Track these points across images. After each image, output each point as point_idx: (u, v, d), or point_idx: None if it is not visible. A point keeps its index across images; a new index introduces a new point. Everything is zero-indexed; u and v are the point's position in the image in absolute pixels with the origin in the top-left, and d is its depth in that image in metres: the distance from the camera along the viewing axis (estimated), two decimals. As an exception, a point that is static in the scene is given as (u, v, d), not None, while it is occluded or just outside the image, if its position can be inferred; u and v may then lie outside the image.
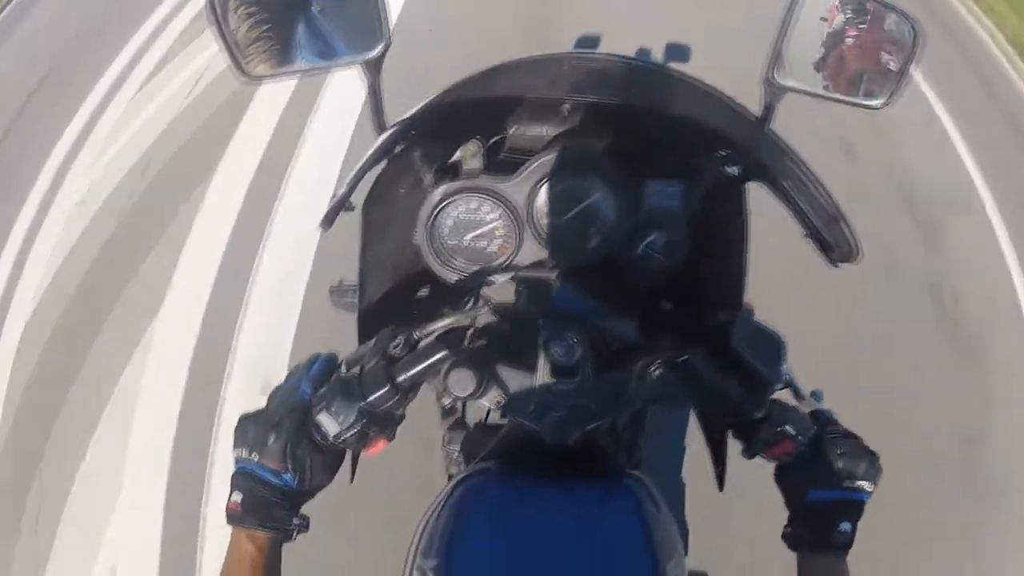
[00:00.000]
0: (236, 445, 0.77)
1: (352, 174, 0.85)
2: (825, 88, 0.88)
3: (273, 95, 3.26)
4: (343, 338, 0.95)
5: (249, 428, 0.77)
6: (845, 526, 0.76)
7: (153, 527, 2.04)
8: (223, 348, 2.38)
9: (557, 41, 3.40)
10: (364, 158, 0.86)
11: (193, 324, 2.46)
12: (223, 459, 2.13)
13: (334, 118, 3.18)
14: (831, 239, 0.86)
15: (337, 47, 0.81)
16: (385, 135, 0.84)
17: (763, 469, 0.83)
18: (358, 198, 0.89)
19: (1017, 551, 2.14)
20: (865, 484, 0.77)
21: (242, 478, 0.76)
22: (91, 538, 2.03)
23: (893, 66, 0.89)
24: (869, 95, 0.90)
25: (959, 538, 2.14)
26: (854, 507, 0.77)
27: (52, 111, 3.29)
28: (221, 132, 3.16)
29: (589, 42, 3.16)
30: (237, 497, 0.75)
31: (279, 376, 0.83)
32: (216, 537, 2.02)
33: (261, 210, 2.84)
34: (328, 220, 0.86)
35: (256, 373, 2.32)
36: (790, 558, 0.79)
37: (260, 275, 2.62)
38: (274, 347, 2.39)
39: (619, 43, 3.31)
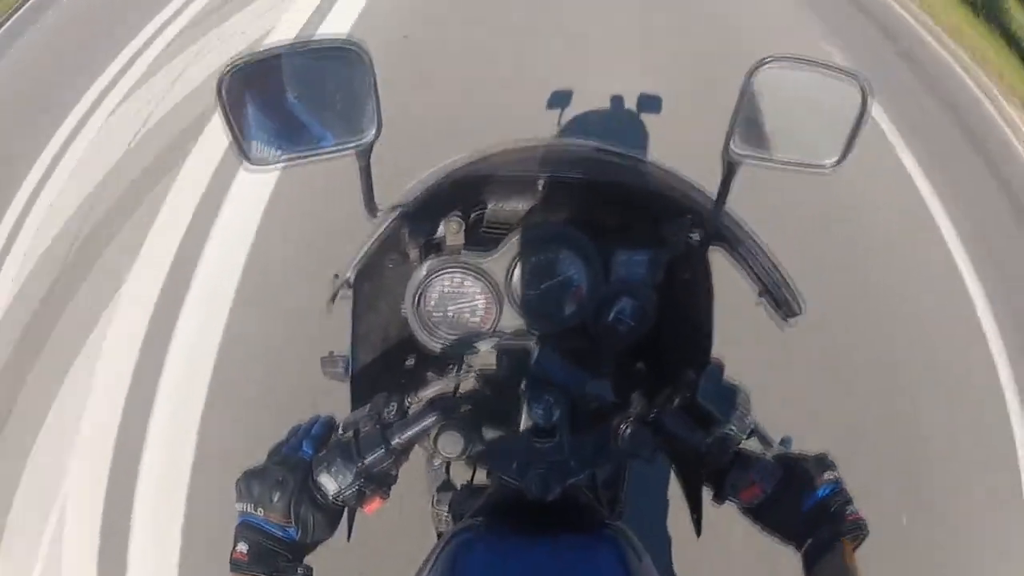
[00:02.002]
0: (240, 499, 0.82)
1: (356, 258, 0.93)
2: (779, 156, 0.95)
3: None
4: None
5: (253, 484, 0.81)
6: (851, 508, 0.81)
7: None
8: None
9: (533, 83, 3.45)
10: (368, 242, 0.94)
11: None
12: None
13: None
14: (780, 299, 0.95)
15: (332, 135, 0.88)
16: (383, 217, 0.92)
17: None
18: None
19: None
20: (835, 473, 0.83)
21: (247, 530, 0.80)
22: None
23: (844, 126, 0.97)
24: (821, 157, 0.97)
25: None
26: (842, 493, 0.82)
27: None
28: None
29: (563, 94, 3.22)
30: (243, 547, 0.79)
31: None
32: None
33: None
34: (334, 298, 0.94)
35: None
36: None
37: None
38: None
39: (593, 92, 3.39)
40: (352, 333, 1.03)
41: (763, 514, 0.86)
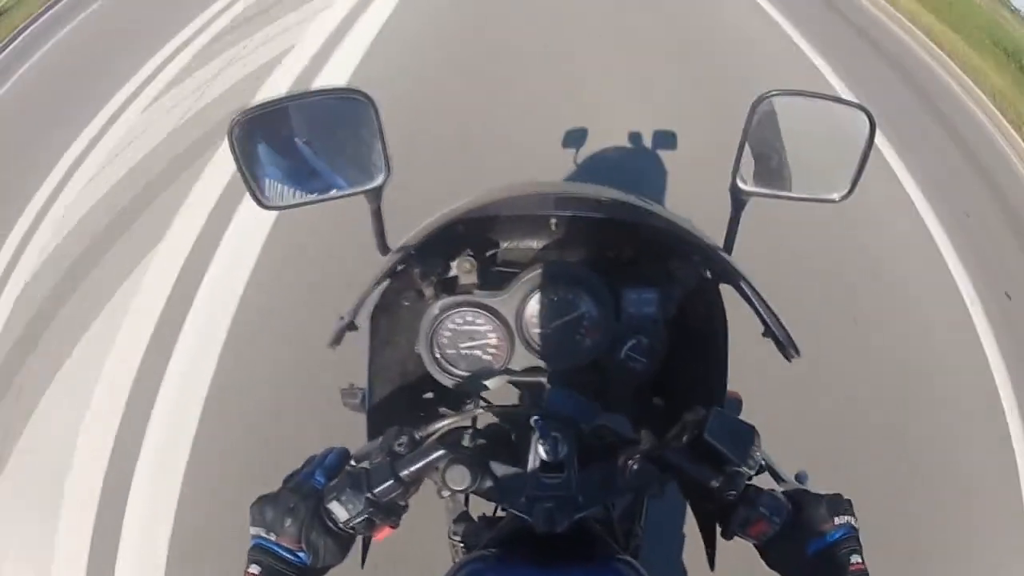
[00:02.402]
0: (254, 523, 0.83)
1: (359, 297, 0.95)
2: (787, 189, 0.96)
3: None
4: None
5: (267, 510, 0.83)
6: (856, 557, 0.79)
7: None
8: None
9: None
10: (371, 282, 0.96)
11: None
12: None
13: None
14: (782, 339, 0.96)
15: (343, 178, 0.90)
16: (388, 259, 0.94)
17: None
18: (361, 317, 1.00)
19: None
20: (851, 519, 0.82)
21: (260, 552, 0.82)
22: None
23: (851, 156, 0.97)
24: (829, 190, 0.98)
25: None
26: (853, 540, 0.81)
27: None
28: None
29: (578, 133, 3.23)
30: (255, 569, 0.81)
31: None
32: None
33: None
34: (336, 339, 0.96)
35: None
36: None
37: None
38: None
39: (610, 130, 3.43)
40: (369, 366, 1.05)
41: (769, 552, 0.85)
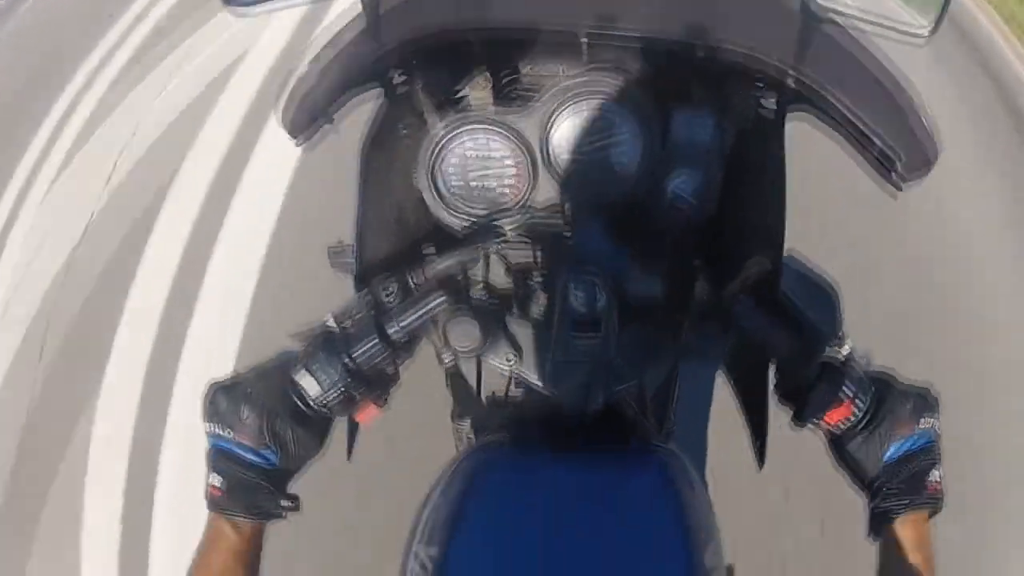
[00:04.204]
0: (207, 418, 0.69)
1: (324, 65, 0.75)
2: (868, 13, 0.81)
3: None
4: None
5: (219, 399, 0.68)
6: (935, 473, 0.68)
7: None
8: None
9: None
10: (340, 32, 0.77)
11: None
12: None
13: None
14: (898, 149, 0.74)
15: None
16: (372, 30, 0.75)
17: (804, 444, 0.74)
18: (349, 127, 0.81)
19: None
20: (935, 420, 0.69)
21: (219, 458, 0.68)
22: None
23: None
24: (914, 20, 0.82)
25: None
26: (934, 450, 0.69)
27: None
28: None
29: None
30: (216, 480, 0.67)
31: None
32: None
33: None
34: (303, 128, 0.76)
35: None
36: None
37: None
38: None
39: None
40: (358, 216, 0.87)
41: (840, 445, 0.72)
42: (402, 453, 1.72)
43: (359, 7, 0.76)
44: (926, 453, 0.68)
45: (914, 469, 0.68)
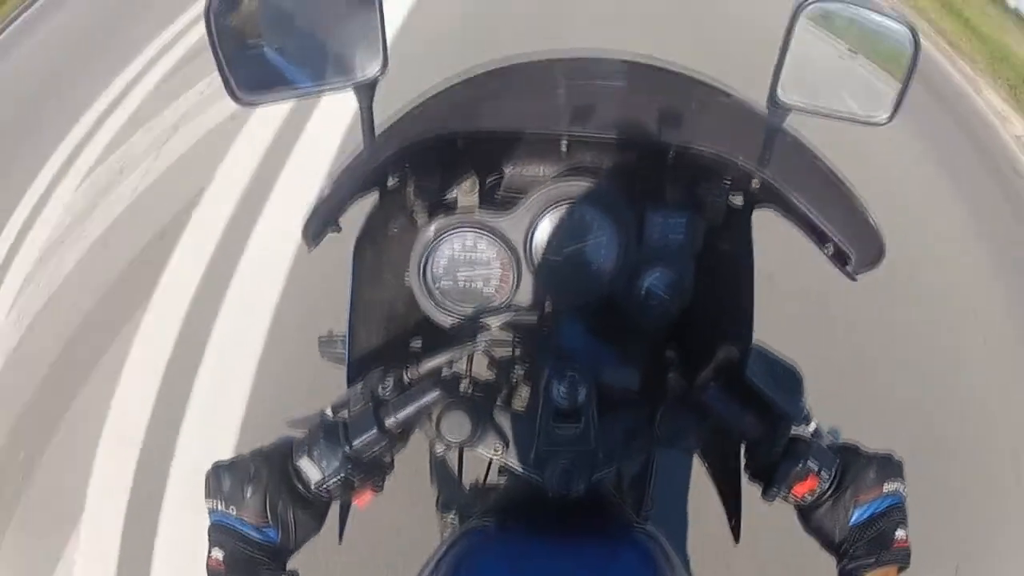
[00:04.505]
0: (209, 496, 0.71)
1: (342, 188, 0.79)
2: (828, 106, 0.87)
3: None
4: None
5: (223, 478, 0.70)
6: (900, 532, 0.71)
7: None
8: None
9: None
10: (353, 170, 0.81)
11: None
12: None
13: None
14: (850, 247, 0.81)
15: (332, 70, 0.78)
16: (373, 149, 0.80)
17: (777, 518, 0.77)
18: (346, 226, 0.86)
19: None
20: (900, 485, 0.73)
21: (221, 533, 0.70)
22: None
23: (894, 78, 0.87)
24: (873, 111, 0.89)
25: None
26: (899, 510, 0.72)
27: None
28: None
29: None
30: (218, 554, 0.69)
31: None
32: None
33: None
34: (315, 236, 0.80)
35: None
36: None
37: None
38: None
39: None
40: (350, 308, 0.91)
41: (808, 513, 0.75)
42: (390, 536, 1.72)
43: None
44: (892, 513, 0.71)
45: (880, 529, 0.71)
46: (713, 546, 1.04)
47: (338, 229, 0.84)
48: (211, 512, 0.70)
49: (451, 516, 1.13)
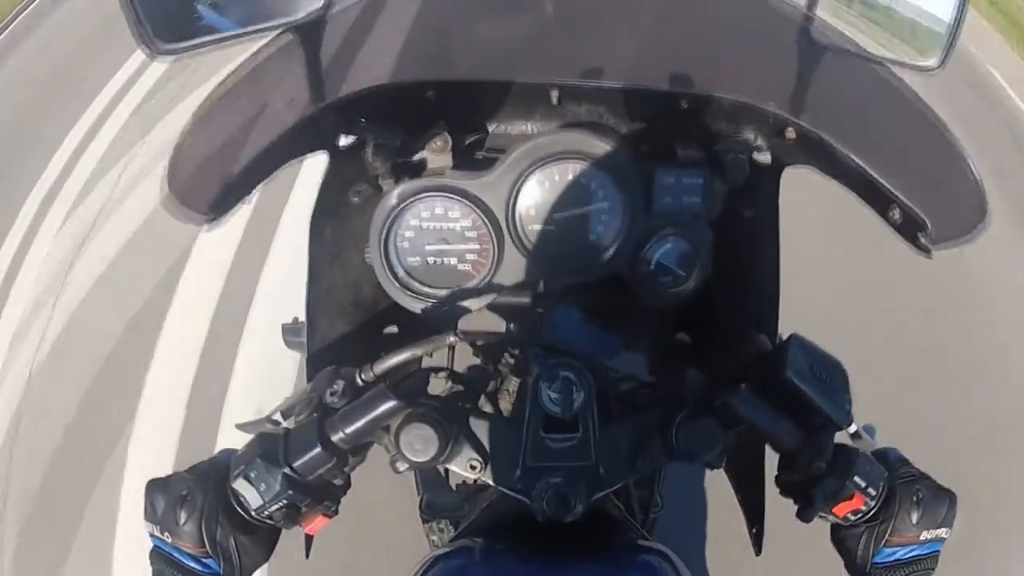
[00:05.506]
0: (146, 518, 0.63)
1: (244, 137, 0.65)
2: (871, 48, 0.74)
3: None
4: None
5: (158, 499, 0.61)
6: None
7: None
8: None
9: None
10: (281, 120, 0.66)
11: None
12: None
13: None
14: (928, 211, 0.65)
15: (267, 7, 0.65)
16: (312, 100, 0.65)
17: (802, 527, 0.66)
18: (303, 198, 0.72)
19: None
20: (943, 531, 0.63)
21: (160, 561, 0.62)
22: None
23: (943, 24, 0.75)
24: (921, 55, 0.76)
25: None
26: (930, 561, 0.63)
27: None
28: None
29: None
30: None
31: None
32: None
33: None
34: (215, 207, 0.65)
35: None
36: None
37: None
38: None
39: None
40: (308, 292, 0.78)
41: (838, 530, 0.66)
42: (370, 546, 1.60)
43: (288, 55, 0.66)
44: (921, 563, 0.63)
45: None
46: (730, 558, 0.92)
47: (248, 201, 0.69)
48: (151, 536, 0.63)
49: (437, 522, 1.03)
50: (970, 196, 0.64)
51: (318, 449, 0.60)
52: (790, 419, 0.63)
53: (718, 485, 0.91)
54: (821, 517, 0.64)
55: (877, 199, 0.68)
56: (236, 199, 0.67)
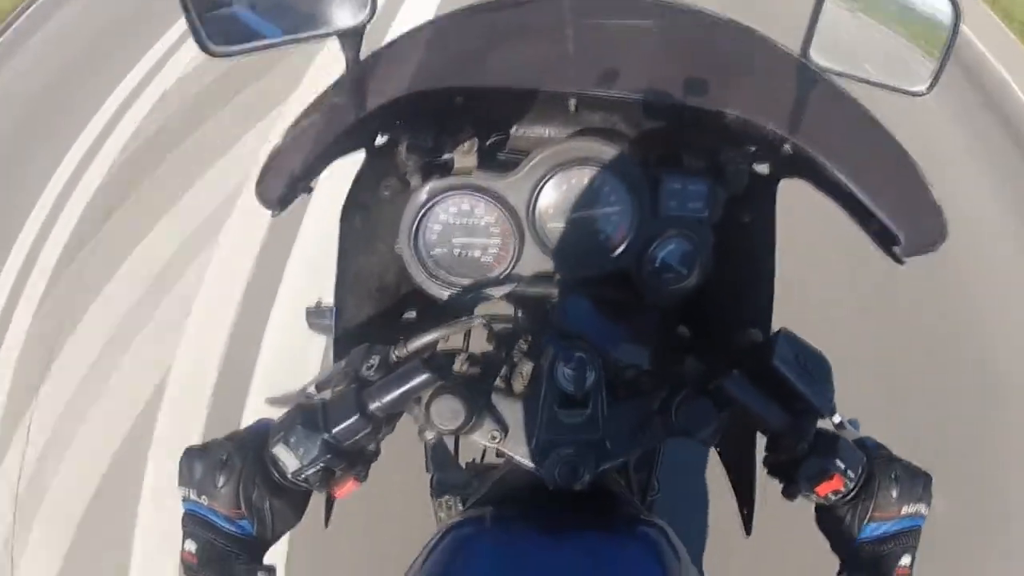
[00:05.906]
0: (182, 483, 0.66)
1: (305, 138, 0.72)
2: (863, 71, 0.79)
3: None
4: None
5: (196, 465, 0.65)
6: (906, 559, 0.66)
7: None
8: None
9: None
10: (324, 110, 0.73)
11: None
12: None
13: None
14: (900, 226, 0.73)
15: (313, 17, 0.71)
16: (351, 103, 0.72)
17: (790, 509, 0.72)
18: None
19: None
20: (922, 507, 0.67)
21: (194, 523, 0.65)
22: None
23: (933, 48, 0.80)
24: (911, 80, 0.81)
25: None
26: (912, 536, 0.67)
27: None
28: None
29: None
30: (191, 546, 0.64)
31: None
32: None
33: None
34: (282, 199, 0.72)
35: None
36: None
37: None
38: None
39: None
40: (337, 279, 0.85)
41: (822, 511, 0.71)
42: (383, 522, 1.65)
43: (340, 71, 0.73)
44: (903, 538, 0.67)
45: (886, 551, 0.67)
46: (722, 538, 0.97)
47: (309, 191, 0.76)
48: (184, 501, 0.66)
49: (447, 499, 1.08)
50: (934, 218, 0.71)
51: (356, 416, 0.65)
52: (777, 403, 0.68)
53: (712, 473, 0.97)
54: (804, 496, 0.69)
55: (859, 212, 0.74)
56: (296, 194, 0.75)
